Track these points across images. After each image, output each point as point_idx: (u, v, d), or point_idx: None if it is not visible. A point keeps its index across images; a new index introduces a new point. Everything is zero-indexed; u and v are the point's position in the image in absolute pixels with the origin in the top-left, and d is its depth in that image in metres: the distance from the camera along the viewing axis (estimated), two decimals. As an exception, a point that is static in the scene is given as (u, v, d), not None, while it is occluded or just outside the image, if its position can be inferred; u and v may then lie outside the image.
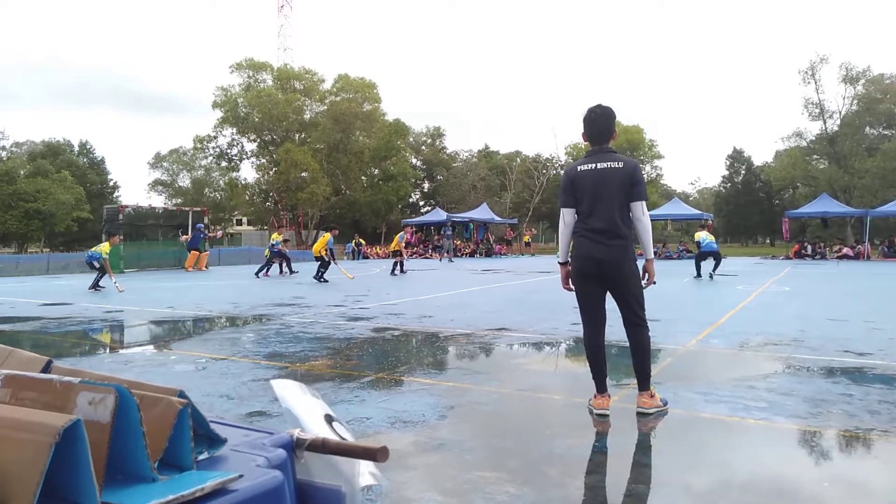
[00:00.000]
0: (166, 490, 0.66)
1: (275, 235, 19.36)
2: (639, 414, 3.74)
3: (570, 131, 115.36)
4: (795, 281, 15.10)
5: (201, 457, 0.77)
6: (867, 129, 43.95)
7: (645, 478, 2.94)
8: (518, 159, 57.98)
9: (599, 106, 3.84)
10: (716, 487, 2.77)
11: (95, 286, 13.32)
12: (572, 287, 3.91)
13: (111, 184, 58.44)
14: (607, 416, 3.73)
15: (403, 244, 19.23)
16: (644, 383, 3.78)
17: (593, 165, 3.74)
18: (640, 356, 3.77)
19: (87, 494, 0.61)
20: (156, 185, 57.76)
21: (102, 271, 13.59)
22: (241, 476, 0.70)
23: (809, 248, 30.63)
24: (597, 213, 3.70)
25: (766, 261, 28.65)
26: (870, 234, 31.16)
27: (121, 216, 21.29)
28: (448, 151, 59.94)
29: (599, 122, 3.79)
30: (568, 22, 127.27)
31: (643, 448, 3.36)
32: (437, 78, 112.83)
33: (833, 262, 27.03)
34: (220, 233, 23.93)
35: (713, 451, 3.27)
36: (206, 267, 21.50)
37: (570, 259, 3.89)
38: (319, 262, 15.46)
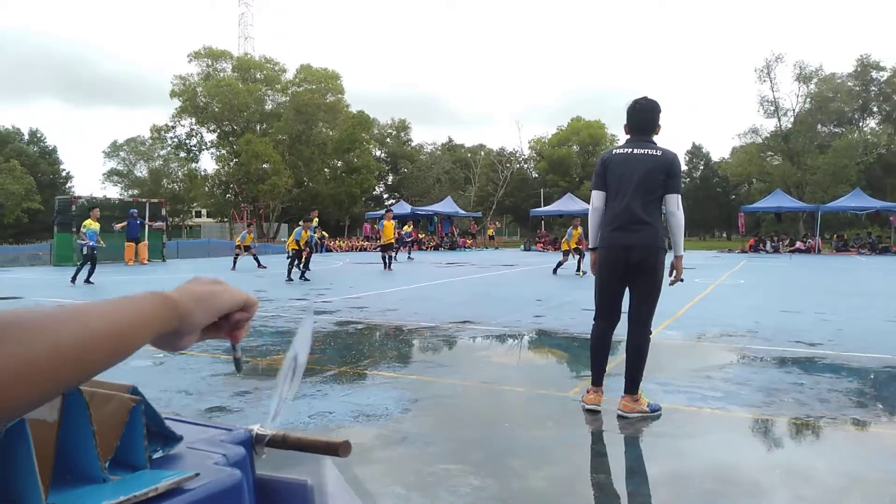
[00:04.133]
0: (118, 490, 0.63)
1: (248, 237, 18.36)
2: (619, 417, 3.63)
3: (533, 125, 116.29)
4: (750, 274, 15.54)
5: (156, 455, 0.74)
6: (819, 126, 45.35)
7: (606, 468, 2.99)
8: (482, 153, 58.17)
9: (645, 98, 3.73)
10: (676, 475, 2.84)
11: (87, 279, 12.33)
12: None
13: (63, 174, 56.53)
14: (598, 411, 3.69)
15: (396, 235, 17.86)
16: (631, 386, 3.64)
17: (630, 150, 3.64)
18: (635, 357, 3.64)
19: (32, 496, 0.58)
20: (111, 175, 56.11)
21: (92, 260, 12.37)
22: (197, 474, 0.68)
23: (768, 242, 31.54)
24: (626, 198, 3.58)
25: (723, 254, 29.41)
26: (820, 228, 32.26)
27: (73, 207, 20.52)
28: (413, 144, 59.78)
29: (644, 114, 3.70)
30: (530, 16, 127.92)
31: (604, 439, 3.41)
32: (402, 69, 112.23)
33: (786, 255, 27.93)
34: (160, 224, 21.70)
35: (672, 440, 3.35)
36: (146, 260, 20.05)
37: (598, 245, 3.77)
38: (294, 257, 13.47)
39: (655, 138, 3.75)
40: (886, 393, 4.26)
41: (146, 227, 20.34)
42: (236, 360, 0.82)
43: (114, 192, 52.72)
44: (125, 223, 18.75)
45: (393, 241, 17.38)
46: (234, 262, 17.74)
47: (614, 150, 3.74)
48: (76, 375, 0.51)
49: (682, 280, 3.80)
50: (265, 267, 17.19)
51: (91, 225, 12.74)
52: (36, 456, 0.58)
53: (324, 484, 0.83)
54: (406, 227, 28.04)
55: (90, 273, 12.59)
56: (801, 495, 2.61)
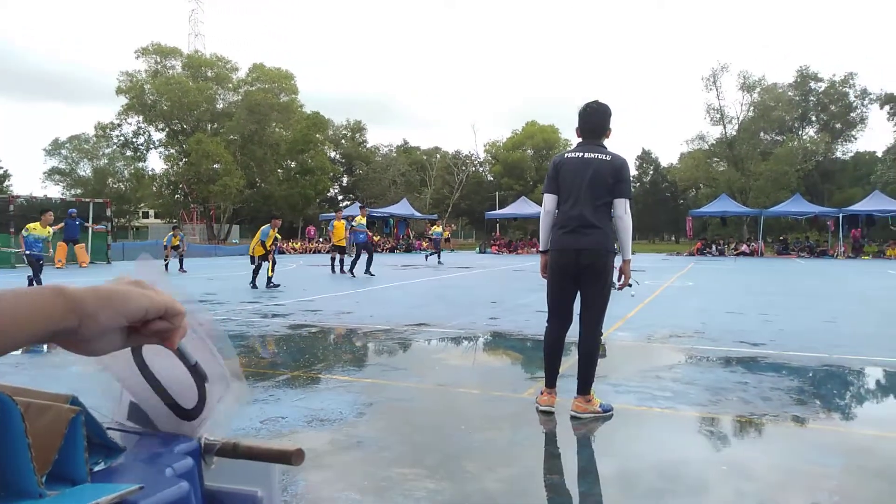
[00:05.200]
0: (56, 506, 0.60)
1: (174, 240, 17.42)
2: (572, 418, 3.65)
3: (488, 129, 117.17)
4: (698, 276, 16.02)
5: (97, 468, 0.71)
6: (762, 134, 47.13)
7: (560, 468, 3.02)
8: (438, 155, 58.27)
9: (596, 101, 3.78)
10: (626, 474, 2.89)
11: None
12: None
13: (1, 172, 54.04)
14: (552, 412, 3.72)
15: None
16: (583, 387, 3.68)
17: (581, 154, 3.68)
18: (587, 360, 3.68)
19: (-39, 515, 0.55)
20: (52, 173, 53.91)
21: (34, 269, 10.76)
22: (141, 488, 0.65)
23: (714, 246, 32.57)
24: (576, 201, 3.63)
25: (672, 257, 30.25)
26: (763, 232, 33.51)
27: (11, 207, 19.60)
28: (368, 146, 59.42)
29: (595, 118, 3.75)
30: (485, 21, 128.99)
31: (557, 440, 3.45)
32: (357, 70, 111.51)
33: (731, 258, 28.90)
34: (101, 227, 20.27)
35: (623, 439, 3.41)
36: (86, 262, 18.87)
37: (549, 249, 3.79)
38: (260, 262, 11.79)
39: (606, 142, 3.82)
40: (824, 391, 4.44)
41: (87, 228, 19.31)
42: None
43: (55, 191, 50.67)
44: (62, 224, 17.51)
45: (344, 242, 16.23)
46: (166, 265, 16.68)
47: (566, 154, 3.78)
48: None
49: (630, 284, 3.88)
50: (185, 271, 16.48)
51: (35, 230, 11.04)
52: (-34, 472, 0.55)
53: (273, 494, 0.81)
54: (436, 226, 24.33)
55: (30, 284, 11.05)
56: (744, 490, 2.69)
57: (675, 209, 60.10)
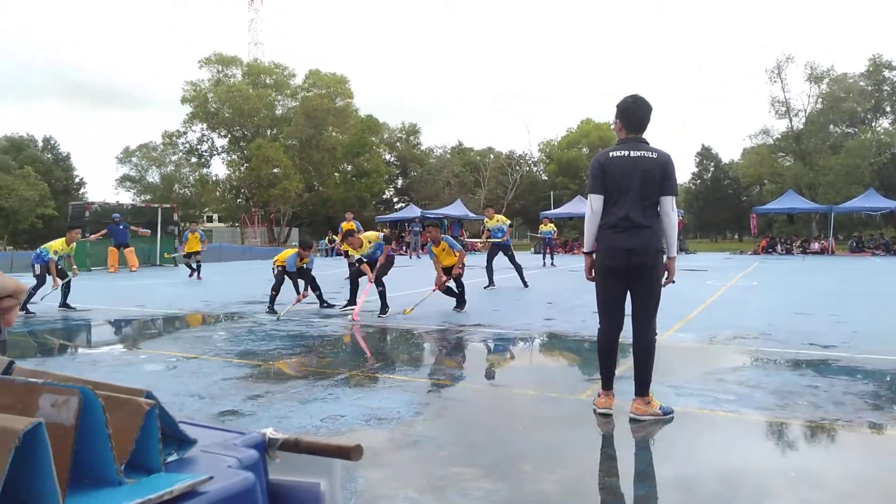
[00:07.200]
0: (133, 493, 0.64)
1: (193, 239, 15.64)
2: (631, 420, 3.58)
3: (542, 128, 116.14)
4: (763, 275, 15.42)
5: (170, 459, 0.75)
6: (831, 127, 44.98)
7: (617, 471, 2.98)
8: (491, 156, 58.15)
9: (638, 95, 3.73)
10: (687, 479, 2.82)
11: (64, 304, 9.29)
12: (594, 278, 3.79)
13: (77, 180, 57.08)
14: (610, 415, 3.67)
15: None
16: (642, 388, 3.62)
17: (626, 153, 3.62)
18: (644, 359, 3.63)
19: (50, 499, 0.59)
20: (124, 181, 56.59)
21: (43, 280, 9.21)
22: (211, 478, 0.69)
23: (780, 244, 31.32)
24: (625, 202, 3.57)
25: (735, 256, 29.22)
26: (834, 229, 31.97)
27: (87, 213, 20.67)
28: (422, 148, 59.86)
29: (643, 111, 3.69)
30: (540, 19, 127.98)
31: (616, 442, 3.40)
32: (411, 73, 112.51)
33: (799, 256, 27.70)
34: (146, 231, 19.05)
35: (684, 443, 3.33)
36: (136, 266, 18.36)
37: (594, 250, 3.76)
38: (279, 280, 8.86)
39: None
40: (902, 395, 4.21)
41: (131, 232, 18.59)
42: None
43: (126, 197, 53.11)
44: (104, 231, 17.10)
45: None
46: (197, 271, 15.26)
47: (611, 153, 3.70)
48: None
49: (673, 281, 3.80)
50: (200, 279, 14.98)
51: (55, 246, 9.40)
52: (53, 459, 0.59)
53: (335, 487, 0.83)
54: (546, 225, 21.68)
55: (29, 296, 8.58)
56: (814, 500, 2.58)
57: (738, 206, 58.00)
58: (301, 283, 8.81)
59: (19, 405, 0.67)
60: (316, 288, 9.14)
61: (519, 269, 12.06)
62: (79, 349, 6.65)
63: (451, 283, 8.62)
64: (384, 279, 8.37)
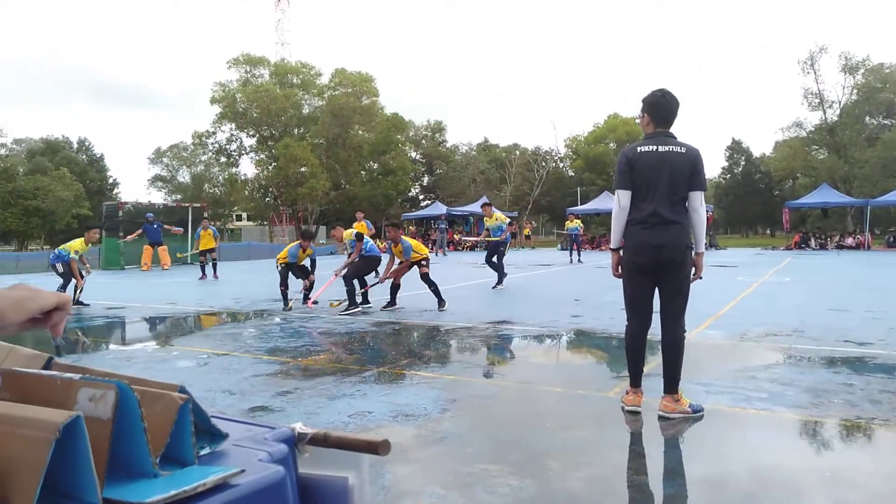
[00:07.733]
0: (168, 485, 0.66)
1: (207, 236, 15.29)
2: (660, 418, 3.56)
3: (568, 124, 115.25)
4: (796, 271, 15.11)
5: (203, 452, 0.77)
6: (867, 118, 43.79)
7: (646, 469, 2.95)
8: (517, 152, 57.86)
9: (666, 89, 3.68)
10: (718, 477, 2.78)
11: (76, 301, 9.38)
12: (621, 274, 3.76)
13: (111, 180, 58.35)
14: (639, 412, 3.64)
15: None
16: (671, 386, 3.59)
17: (654, 148, 3.57)
18: (672, 356, 3.59)
19: (88, 490, 0.61)
20: (156, 181, 57.67)
21: (69, 278, 9.50)
22: (242, 471, 0.70)
23: (814, 239, 30.62)
24: (654, 197, 3.53)
25: (767, 251, 28.64)
26: (870, 223, 31.13)
27: (120, 213, 21.14)
28: (448, 145, 59.84)
29: (672, 105, 3.65)
30: (566, 14, 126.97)
31: (644, 440, 3.36)
32: (436, 70, 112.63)
33: (834, 251, 27.04)
34: (178, 229, 18.98)
35: (714, 441, 3.28)
36: (168, 265, 18.69)
37: (621, 246, 3.73)
38: (284, 274, 9.22)
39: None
40: (942, 394, 4.09)
41: (165, 231, 18.76)
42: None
43: (158, 196, 54.13)
44: (140, 231, 17.63)
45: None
46: (213, 269, 14.96)
47: (639, 148, 3.64)
48: None
49: (701, 277, 3.75)
50: (205, 277, 14.70)
51: (75, 246, 9.66)
52: (92, 452, 0.61)
53: (363, 481, 0.84)
54: (572, 221, 21.84)
55: (63, 288, 9.39)
56: (848, 499, 2.53)
57: (770, 201, 56.81)
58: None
59: (58, 399, 0.70)
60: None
61: (501, 269, 11.31)
62: (113, 346, 6.81)
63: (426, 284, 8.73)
64: (363, 278, 8.82)
